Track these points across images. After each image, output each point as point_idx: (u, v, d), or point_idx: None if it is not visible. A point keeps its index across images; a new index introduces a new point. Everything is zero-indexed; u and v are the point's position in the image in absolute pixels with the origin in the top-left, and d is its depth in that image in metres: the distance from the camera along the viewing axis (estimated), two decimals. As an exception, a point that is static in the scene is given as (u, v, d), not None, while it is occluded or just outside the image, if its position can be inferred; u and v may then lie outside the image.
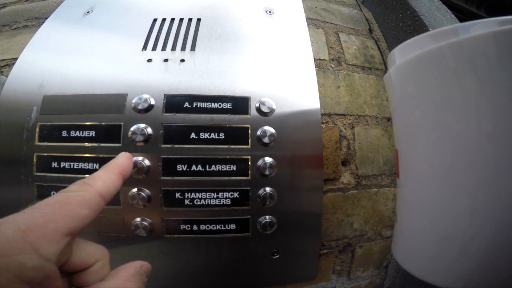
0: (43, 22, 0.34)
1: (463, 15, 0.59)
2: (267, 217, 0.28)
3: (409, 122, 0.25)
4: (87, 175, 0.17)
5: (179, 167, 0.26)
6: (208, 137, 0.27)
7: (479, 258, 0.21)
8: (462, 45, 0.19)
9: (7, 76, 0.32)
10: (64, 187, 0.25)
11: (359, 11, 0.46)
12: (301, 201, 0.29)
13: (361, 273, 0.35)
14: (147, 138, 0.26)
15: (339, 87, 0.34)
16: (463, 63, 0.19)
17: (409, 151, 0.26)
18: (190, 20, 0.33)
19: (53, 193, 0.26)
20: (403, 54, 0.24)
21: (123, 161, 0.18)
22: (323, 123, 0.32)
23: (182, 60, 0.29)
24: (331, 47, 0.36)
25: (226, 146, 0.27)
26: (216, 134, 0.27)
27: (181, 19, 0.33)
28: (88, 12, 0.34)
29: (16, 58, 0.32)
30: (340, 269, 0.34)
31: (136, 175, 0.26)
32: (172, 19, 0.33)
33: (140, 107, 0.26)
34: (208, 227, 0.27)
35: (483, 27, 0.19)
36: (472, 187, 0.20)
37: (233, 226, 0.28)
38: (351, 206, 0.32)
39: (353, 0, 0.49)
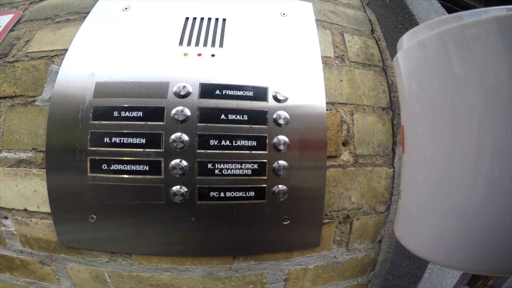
0: (85, 17, 0.43)
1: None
2: (280, 186, 0.37)
3: (414, 98, 0.26)
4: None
5: (212, 142, 0.35)
6: (235, 118, 0.35)
7: (487, 239, 0.20)
8: (464, 29, 0.21)
9: (58, 65, 0.41)
10: (115, 160, 0.33)
11: (363, 12, 0.55)
12: (308, 173, 0.38)
13: (358, 245, 0.44)
14: (186, 118, 0.34)
15: (341, 80, 0.43)
16: (463, 47, 0.21)
17: (414, 127, 0.27)
18: (217, 19, 0.42)
19: (104, 166, 0.35)
20: (410, 39, 0.28)
21: None
22: (327, 110, 0.41)
23: (213, 55, 0.38)
24: (336, 46, 0.45)
25: (248, 126, 0.36)
26: (241, 116, 0.36)
27: (209, 19, 0.42)
28: (126, 8, 0.42)
29: (65, 49, 0.40)
30: (340, 240, 0.43)
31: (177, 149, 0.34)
32: (202, 18, 0.41)
33: (181, 93, 0.35)
34: (232, 194, 0.36)
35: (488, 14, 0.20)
36: (480, 161, 0.20)
37: (252, 194, 0.36)
38: (350, 181, 0.41)
39: (359, 2, 0.57)
